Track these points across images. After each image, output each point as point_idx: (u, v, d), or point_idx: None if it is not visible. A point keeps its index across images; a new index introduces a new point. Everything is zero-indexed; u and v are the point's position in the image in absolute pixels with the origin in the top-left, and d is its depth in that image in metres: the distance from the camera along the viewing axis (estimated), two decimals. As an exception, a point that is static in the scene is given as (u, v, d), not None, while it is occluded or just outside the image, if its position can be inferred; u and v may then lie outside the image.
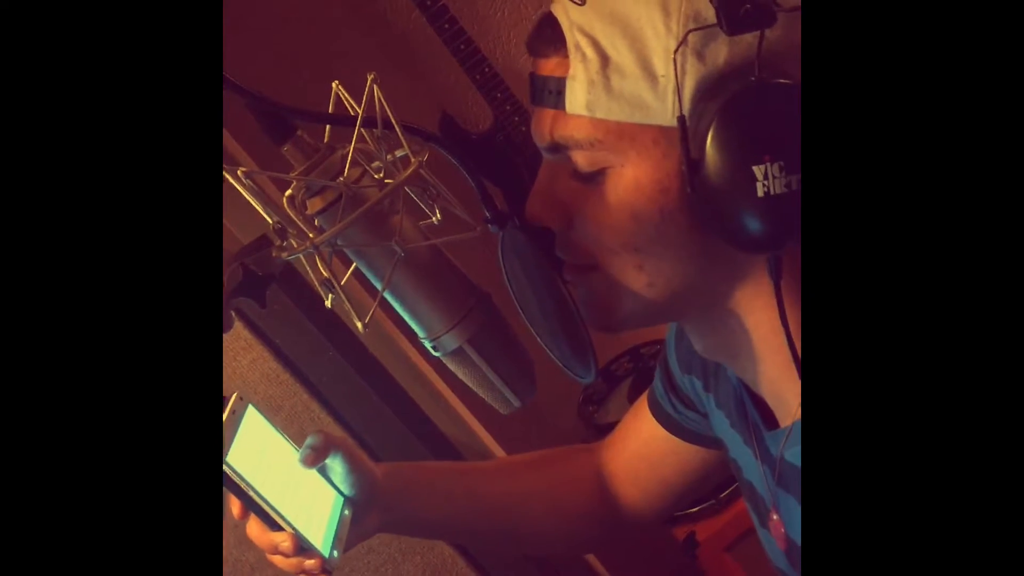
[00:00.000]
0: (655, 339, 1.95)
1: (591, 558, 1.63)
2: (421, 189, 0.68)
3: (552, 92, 0.62)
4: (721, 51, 0.57)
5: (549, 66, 0.63)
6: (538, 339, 0.72)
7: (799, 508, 0.71)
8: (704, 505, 1.74)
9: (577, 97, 0.60)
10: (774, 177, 0.56)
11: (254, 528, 0.79)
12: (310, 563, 0.79)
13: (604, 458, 1.04)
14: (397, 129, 0.63)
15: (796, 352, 0.62)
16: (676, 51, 0.57)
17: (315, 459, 0.82)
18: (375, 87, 0.63)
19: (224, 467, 0.73)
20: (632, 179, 0.61)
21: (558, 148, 0.64)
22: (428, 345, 0.71)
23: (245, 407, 0.80)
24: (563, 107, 0.61)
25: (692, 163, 0.58)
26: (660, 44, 0.58)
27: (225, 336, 1.15)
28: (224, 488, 0.74)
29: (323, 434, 0.83)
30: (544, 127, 0.64)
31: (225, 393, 0.73)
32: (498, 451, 1.51)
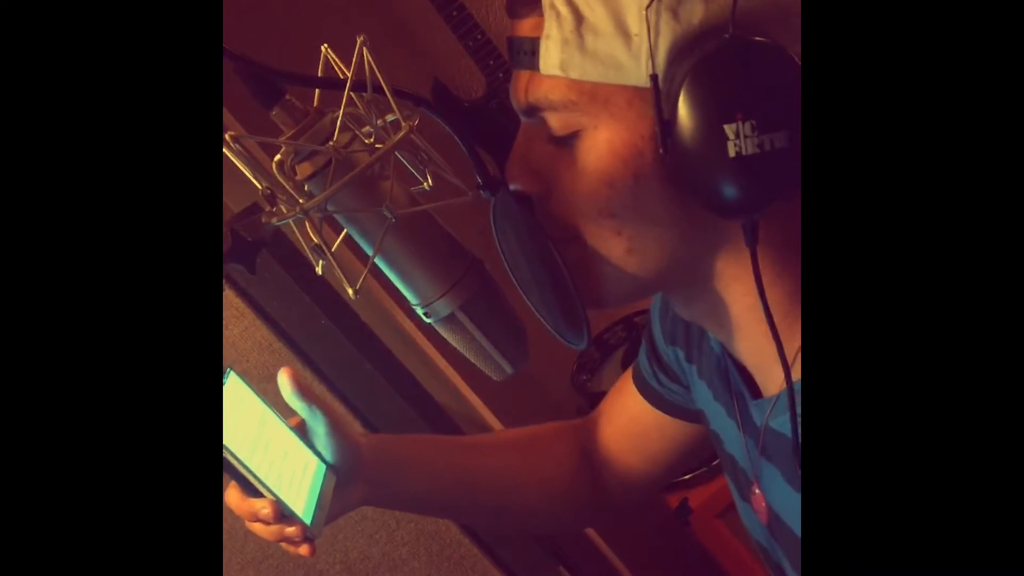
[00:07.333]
0: (648, 308, 1.94)
1: (584, 525, 1.64)
2: (412, 154, 0.67)
3: (527, 53, 0.61)
4: (697, 9, 0.56)
5: (526, 27, 0.62)
6: (530, 305, 0.71)
7: (782, 478, 0.71)
8: (697, 472, 1.76)
9: (551, 56, 0.59)
10: (746, 136, 0.55)
11: (233, 495, 0.78)
12: (291, 530, 0.78)
13: (590, 434, 1.03)
14: (387, 93, 0.62)
15: (773, 322, 0.61)
16: (648, 7, 0.56)
17: (296, 378, 0.81)
18: (365, 50, 0.62)
19: None
20: (606, 142, 0.61)
21: (533, 110, 0.63)
22: (420, 311, 0.70)
23: (226, 373, 0.79)
24: (537, 67, 0.60)
25: (664, 124, 0.57)
26: (635, 1, 0.57)
27: (216, 304, 1.15)
28: None
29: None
30: (520, 89, 0.63)
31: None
32: (490, 418, 1.51)
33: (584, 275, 0.66)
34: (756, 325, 0.67)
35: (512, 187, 0.67)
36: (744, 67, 0.55)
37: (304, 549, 0.79)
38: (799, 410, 0.63)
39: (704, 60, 0.55)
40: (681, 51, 0.56)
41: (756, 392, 0.74)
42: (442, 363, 1.47)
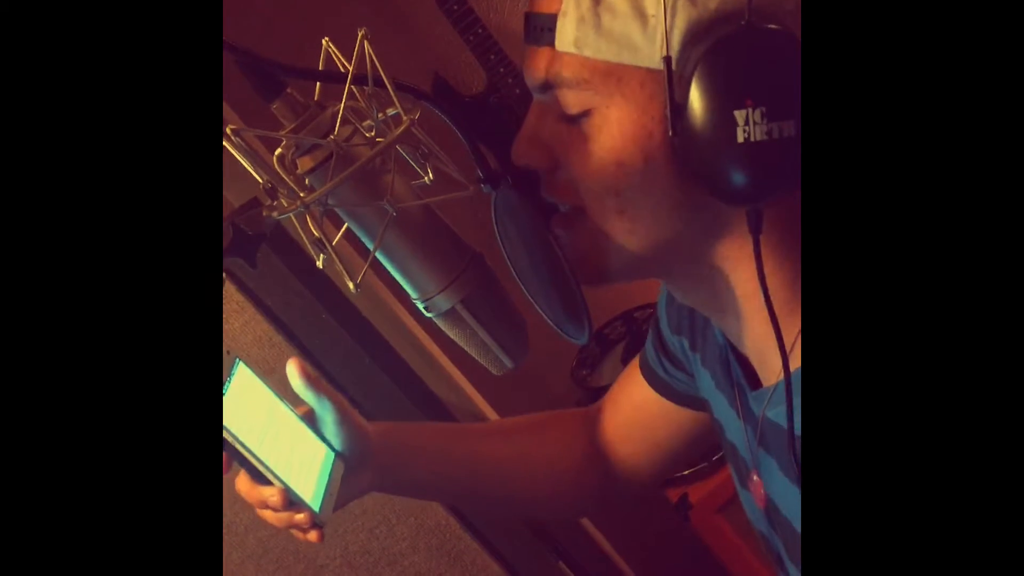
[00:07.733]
0: (648, 303, 1.95)
1: (585, 521, 1.64)
2: (413, 148, 0.67)
3: (544, 29, 0.61)
4: None
5: (546, 3, 0.62)
6: (531, 300, 0.71)
7: (779, 470, 0.71)
8: (697, 467, 1.76)
9: (567, 33, 0.60)
10: (755, 123, 0.55)
11: (243, 483, 0.79)
12: (299, 517, 0.78)
13: (598, 422, 1.04)
14: (388, 86, 0.62)
15: (773, 310, 0.62)
16: None
17: (304, 368, 0.81)
18: (366, 43, 0.62)
19: None
20: (616, 122, 0.61)
21: (547, 87, 0.63)
22: (420, 306, 0.70)
23: (234, 363, 0.79)
24: (554, 44, 0.61)
25: (676, 107, 0.57)
26: None
27: (217, 298, 1.15)
28: None
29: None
30: (534, 65, 0.63)
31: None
32: (490, 413, 1.51)
33: (585, 252, 0.67)
34: (756, 313, 0.68)
35: (520, 163, 0.67)
36: (757, 54, 0.55)
37: (313, 535, 0.80)
38: (797, 402, 0.63)
39: (718, 45, 0.55)
40: (696, 35, 0.57)
41: (756, 383, 0.74)
42: (442, 358, 1.47)
